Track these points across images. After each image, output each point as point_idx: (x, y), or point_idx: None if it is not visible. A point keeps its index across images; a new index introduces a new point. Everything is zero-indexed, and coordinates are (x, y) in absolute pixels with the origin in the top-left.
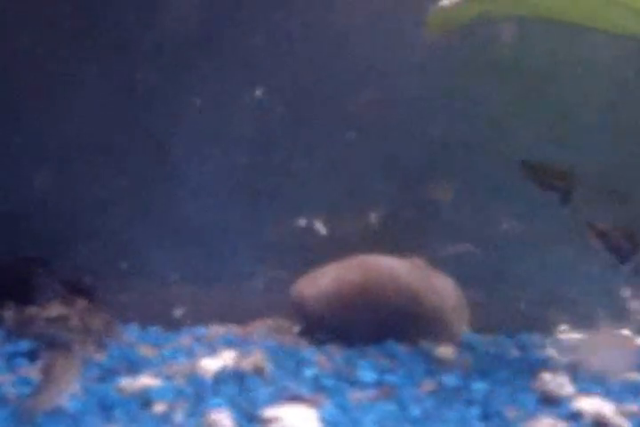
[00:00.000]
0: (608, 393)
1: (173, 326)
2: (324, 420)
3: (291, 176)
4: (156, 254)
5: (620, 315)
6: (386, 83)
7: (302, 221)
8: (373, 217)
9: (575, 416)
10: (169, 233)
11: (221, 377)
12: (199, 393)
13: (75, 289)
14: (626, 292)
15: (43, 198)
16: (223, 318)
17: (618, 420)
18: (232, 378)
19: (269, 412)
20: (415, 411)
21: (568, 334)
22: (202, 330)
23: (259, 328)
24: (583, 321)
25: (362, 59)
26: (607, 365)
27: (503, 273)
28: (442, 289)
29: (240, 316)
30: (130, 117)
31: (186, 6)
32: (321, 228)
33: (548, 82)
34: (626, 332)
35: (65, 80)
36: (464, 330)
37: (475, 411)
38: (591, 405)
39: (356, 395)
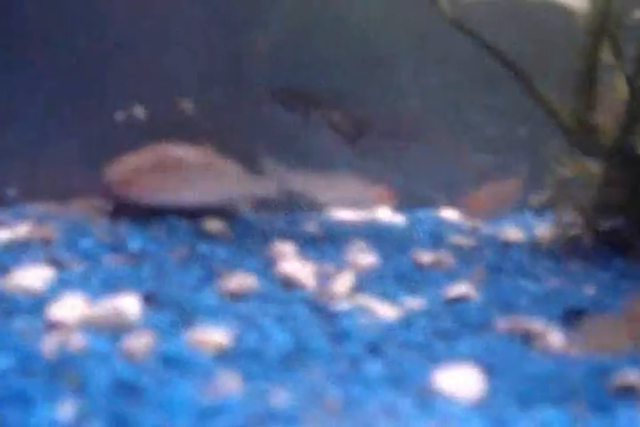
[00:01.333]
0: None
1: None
2: (60, 278)
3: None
4: None
5: None
6: None
7: (121, 113)
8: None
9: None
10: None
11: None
12: None
13: None
14: None
15: None
16: (48, 197)
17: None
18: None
19: (17, 273)
20: (147, 271)
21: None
22: (28, 208)
23: (75, 206)
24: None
25: None
26: None
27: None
28: (227, 174)
29: (62, 195)
30: None
31: None
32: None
33: None
34: None
35: None
36: (245, 208)
37: (198, 272)
38: (292, 266)
39: (109, 259)
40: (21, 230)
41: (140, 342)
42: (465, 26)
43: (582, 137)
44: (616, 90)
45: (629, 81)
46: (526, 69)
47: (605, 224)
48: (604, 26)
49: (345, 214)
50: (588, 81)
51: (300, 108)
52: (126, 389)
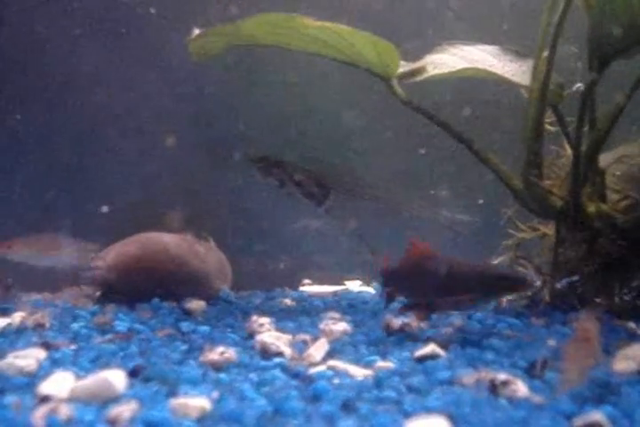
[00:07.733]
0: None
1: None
2: (52, 358)
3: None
4: None
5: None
6: None
7: (105, 208)
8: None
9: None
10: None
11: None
12: None
13: None
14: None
15: None
16: (41, 287)
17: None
18: (14, 332)
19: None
20: (133, 348)
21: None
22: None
23: (66, 294)
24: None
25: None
26: None
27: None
28: (205, 256)
29: (55, 284)
30: None
31: None
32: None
33: None
34: None
35: None
36: (224, 288)
37: (182, 346)
38: (269, 337)
39: (98, 340)
40: (17, 317)
41: (124, 410)
42: (418, 105)
43: (533, 200)
44: (563, 155)
45: (573, 147)
46: (479, 141)
47: (562, 282)
48: (544, 98)
49: (318, 289)
50: (534, 148)
51: (277, 174)
52: None
